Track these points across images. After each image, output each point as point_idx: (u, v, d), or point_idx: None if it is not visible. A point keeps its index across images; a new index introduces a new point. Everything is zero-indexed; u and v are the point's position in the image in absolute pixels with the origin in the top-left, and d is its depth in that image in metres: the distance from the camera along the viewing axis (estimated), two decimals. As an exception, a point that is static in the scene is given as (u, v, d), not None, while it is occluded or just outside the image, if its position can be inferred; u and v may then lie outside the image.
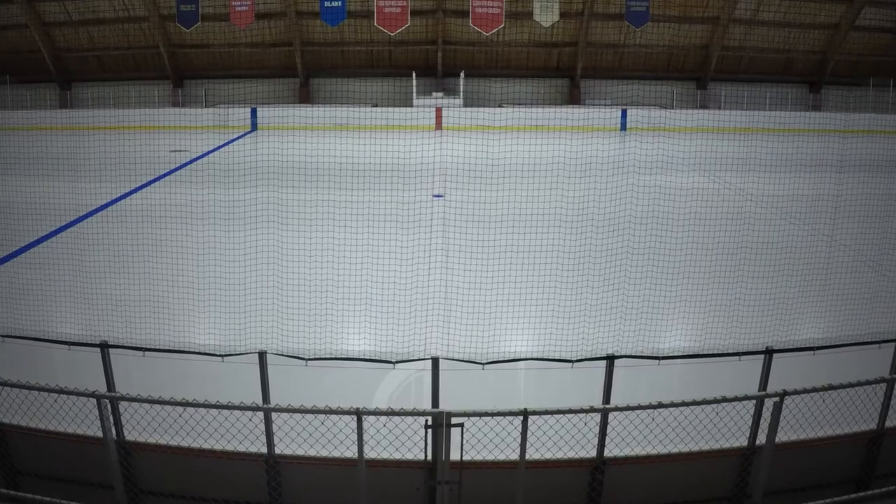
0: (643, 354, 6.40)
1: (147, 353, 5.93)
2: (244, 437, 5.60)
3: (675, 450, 5.71)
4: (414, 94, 31.25)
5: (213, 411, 5.39)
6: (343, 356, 6.69)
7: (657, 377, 7.04)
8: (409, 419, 5.65)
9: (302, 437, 5.45)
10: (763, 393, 5.52)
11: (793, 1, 30.67)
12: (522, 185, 15.16)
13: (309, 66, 32.92)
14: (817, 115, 29.89)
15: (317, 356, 6.17)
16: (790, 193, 14.99)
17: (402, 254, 11.13)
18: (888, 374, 6.04)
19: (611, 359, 5.65)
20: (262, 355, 5.62)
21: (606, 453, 5.72)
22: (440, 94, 31.72)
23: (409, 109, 30.22)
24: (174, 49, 32.34)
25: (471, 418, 5.22)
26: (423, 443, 5.54)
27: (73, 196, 14.28)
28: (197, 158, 22.15)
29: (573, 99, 33.21)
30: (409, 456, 5.64)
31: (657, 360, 6.18)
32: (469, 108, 29.78)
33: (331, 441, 5.45)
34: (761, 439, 5.59)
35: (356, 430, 5.00)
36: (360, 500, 5.13)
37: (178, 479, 5.91)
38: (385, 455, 5.63)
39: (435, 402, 5.79)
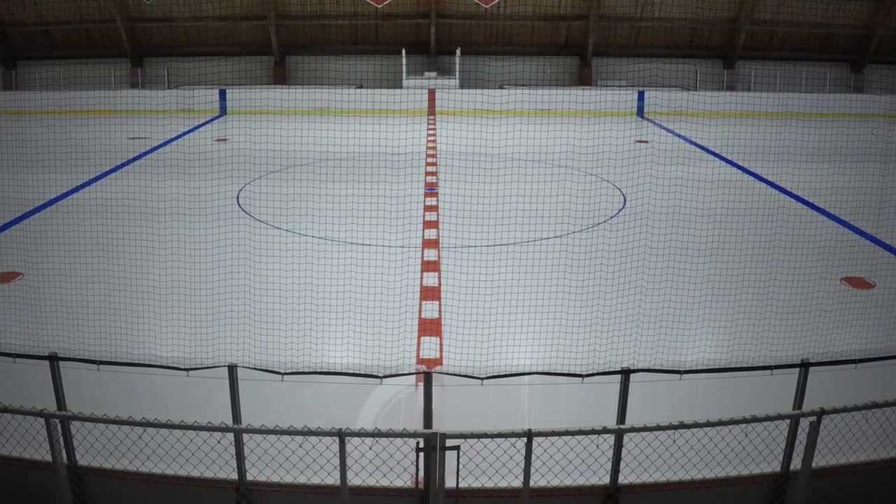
0: (662, 368, 6.41)
1: (102, 367, 5.90)
2: (212, 461, 5.59)
3: (699, 476, 5.71)
4: (404, 74, 31.23)
5: (177, 432, 5.38)
6: (324, 370, 6.68)
7: (678, 394, 7.05)
8: (399, 441, 5.65)
9: (277, 461, 5.44)
10: (798, 412, 5.52)
11: (832, -32, 30.77)
12: (526, 176, 15.16)
13: (285, 43, 32.87)
14: (859, 97, 30.02)
15: (294, 370, 6.16)
16: (829, 186, 15.04)
17: (391, 254, 11.15)
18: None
19: (626, 373, 5.65)
20: (231, 369, 5.61)
21: (621, 480, 5.72)
22: (433, 74, 31.71)
23: (398, 91, 30.22)
24: (133, 23, 32.25)
25: (468, 440, 5.21)
26: (413, 468, 5.54)
27: (18, 189, 14.25)
28: (158, 146, 22.14)
29: (584, 79, 33.25)
30: (399, 483, 5.63)
31: (678, 375, 6.18)
32: (466, 90, 29.71)
33: (310, 466, 5.44)
34: (796, 464, 5.60)
35: (338, 454, 5.00)
36: (343, 533, 5.12)
37: (136, 510, 5.90)
38: (371, 482, 5.62)
39: (428, 422, 5.79)
